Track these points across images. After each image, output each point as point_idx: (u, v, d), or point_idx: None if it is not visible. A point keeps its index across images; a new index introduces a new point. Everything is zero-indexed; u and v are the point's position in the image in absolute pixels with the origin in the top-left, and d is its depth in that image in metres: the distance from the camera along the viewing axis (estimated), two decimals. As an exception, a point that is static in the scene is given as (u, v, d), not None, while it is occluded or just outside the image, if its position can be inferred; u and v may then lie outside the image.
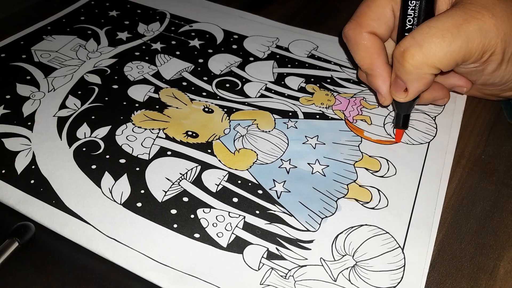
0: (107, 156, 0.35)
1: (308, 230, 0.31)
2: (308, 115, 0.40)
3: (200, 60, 0.46)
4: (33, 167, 0.34)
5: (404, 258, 0.30)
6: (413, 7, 0.33)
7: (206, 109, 0.40)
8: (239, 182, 0.34)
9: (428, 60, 0.31)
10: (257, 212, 0.32)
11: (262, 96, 0.42)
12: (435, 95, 0.39)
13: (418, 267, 0.30)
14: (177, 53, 0.46)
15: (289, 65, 0.46)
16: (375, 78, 0.36)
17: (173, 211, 0.32)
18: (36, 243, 0.30)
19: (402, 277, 0.29)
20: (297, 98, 0.42)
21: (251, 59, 0.46)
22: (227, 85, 0.43)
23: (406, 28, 0.33)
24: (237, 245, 0.30)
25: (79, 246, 0.30)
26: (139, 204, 0.32)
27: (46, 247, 0.30)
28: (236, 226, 0.31)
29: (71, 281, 0.28)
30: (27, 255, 0.29)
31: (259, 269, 0.29)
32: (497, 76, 0.34)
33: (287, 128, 0.39)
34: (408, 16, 0.33)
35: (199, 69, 0.45)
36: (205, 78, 0.44)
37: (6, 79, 0.42)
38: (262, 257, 0.30)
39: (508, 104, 0.41)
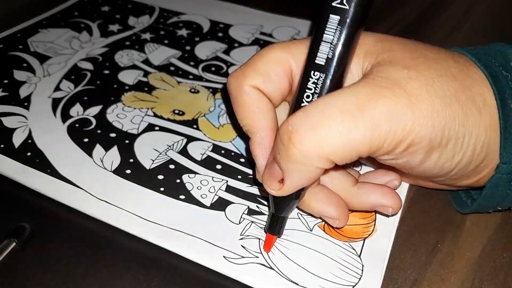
0: (99, 131, 0.38)
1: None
2: (289, 94, 0.43)
3: (187, 48, 0.48)
4: (29, 141, 0.36)
5: (375, 213, 0.32)
6: (315, 80, 0.25)
7: (193, 90, 0.43)
8: (223, 152, 0.37)
9: (321, 149, 0.23)
10: (239, 177, 0.35)
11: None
12: (323, 209, 0.28)
13: (388, 220, 0.32)
14: (166, 42, 0.49)
15: (272, 50, 0.48)
16: (253, 144, 0.28)
17: (160, 177, 0.34)
18: (35, 242, 0.30)
19: (373, 229, 0.31)
20: (279, 79, 0.44)
21: (236, 45, 0.49)
22: (213, 68, 0.45)
23: (302, 104, 0.25)
24: (220, 204, 0.32)
25: (79, 240, 0.31)
26: (128, 171, 0.34)
27: (45, 246, 0.30)
28: (219, 189, 0.33)
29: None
30: (27, 255, 0.30)
31: (239, 223, 0.31)
32: (432, 168, 0.26)
33: (269, 105, 0.41)
34: (307, 91, 0.25)
35: (186, 55, 0.47)
36: (192, 63, 0.46)
37: (3, 66, 0.44)
38: (243, 213, 0.32)
39: (456, 194, 0.33)
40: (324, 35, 0.24)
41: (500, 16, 0.57)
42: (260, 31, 0.51)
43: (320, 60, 0.24)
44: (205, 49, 0.48)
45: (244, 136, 0.36)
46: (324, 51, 0.24)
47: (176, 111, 0.40)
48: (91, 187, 0.33)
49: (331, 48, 0.24)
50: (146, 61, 0.46)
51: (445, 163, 0.25)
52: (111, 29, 0.51)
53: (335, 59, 0.24)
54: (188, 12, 0.54)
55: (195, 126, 0.39)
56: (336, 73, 0.24)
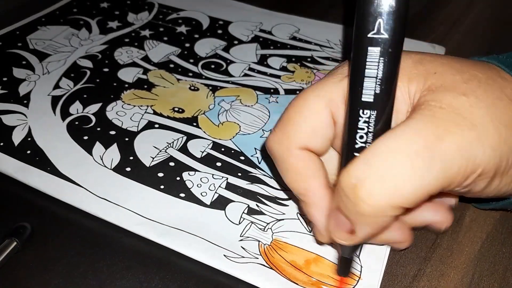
0: (98, 129, 0.38)
1: (286, 189, 0.34)
2: (289, 91, 0.43)
3: (187, 45, 0.48)
4: (29, 139, 0.36)
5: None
6: (367, 119, 0.22)
7: (192, 88, 0.43)
8: (223, 149, 0.37)
9: (392, 200, 0.21)
10: (239, 174, 0.35)
11: (246, 75, 0.44)
12: (389, 237, 0.27)
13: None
14: (165, 39, 0.49)
15: (271, 47, 0.48)
16: (310, 207, 0.26)
17: (160, 174, 0.34)
18: (36, 242, 0.30)
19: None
20: (278, 76, 0.44)
21: (236, 42, 0.49)
22: (212, 66, 0.45)
23: (357, 146, 0.23)
24: (220, 203, 0.32)
25: (80, 239, 0.31)
26: (128, 169, 0.34)
27: (46, 245, 0.30)
28: (219, 186, 0.34)
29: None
30: (28, 255, 0.30)
31: (239, 223, 0.31)
32: (490, 192, 0.25)
33: (269, 102, 0.41)
34: (359, 131, 0.23)
35: (185, 52, 0.47)
36: (191, 60, 0.46)
37: (2, 64, 0.44)
38: (243, 212, 0.32)
39: None
40: (366, 70, 0.22)
41: (498, 14, 0.57)
42: (259, 28, 0.51)
43: (367, 97, 0.22)
44: (204, 46, 0.48)
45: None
46: (370, 87, 0.22)
47: (176, 109, 0.40)
48: (91, 185, 0.33)
49: (377, 83, 0.22)
50: (146, 58, 0.46)
51: (503, 188, 0.24)
52: (110, 26, 0.51)
53: (384, 93, 0.22)
54: (187, 8, 0.54)
55: (195, 124, 0.39)
56: (386, 106, 0.22)
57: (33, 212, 0.32)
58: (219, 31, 0.50)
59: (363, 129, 0.23)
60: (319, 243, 0.30)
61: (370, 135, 0.23)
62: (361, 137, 0.23)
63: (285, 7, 0.55)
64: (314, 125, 0.25)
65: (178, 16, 0.53)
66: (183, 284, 0.28)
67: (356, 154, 0.23)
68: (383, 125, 0.23)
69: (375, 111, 0.22)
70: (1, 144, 0.36)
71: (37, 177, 0.33)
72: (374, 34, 0.21)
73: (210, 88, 0.43)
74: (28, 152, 0.35)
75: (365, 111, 0.22)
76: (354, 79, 0.22)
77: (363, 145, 0.23)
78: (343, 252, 0.27)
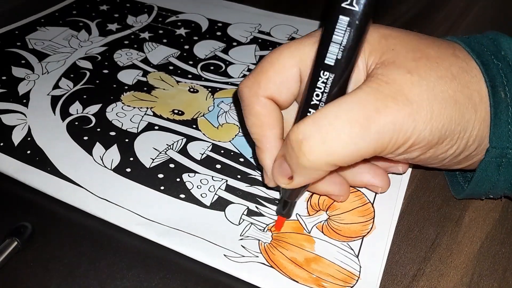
0: (98, 129, 0.38)
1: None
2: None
3: (186, 47, 0.48)
4: (29, 139, 0.36)
5: (374, 211, 0.32)
6: (325, 80, 0.25)
7: (192, 90, 0.43)
8: (222, 151, 0.37)
9: (329, 158, 0.24)
10: (239, 176, 0.35)
11: (245, 76, 0.44)
12: (329, 189, 0.31)
13: (387, 218, 0.32)
14: (164, 41, 0.49)
15: (270, 48, 0.48)
16: (262, 152, 0.29)
17: (160, 175, 0.34)
18: (37, 241, 0.30)
19: (371, 227, 0.31)
20: (278, 78, 0.44)
21: (234, 44, 0.49)
22: (212, 67, 0.46)
23: (312, 103, 0.26)
24: (220, 204, 0.33)
25: (80, 239, 0.31)
26: (128, 170, 0.34)
27: (46, 245, 0.30)
28: (219, 188, 0.34)
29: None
30: (29, 254, 0.30)
31: (239, 224, 0.31)
32: (426, 159, 0.27)
33: (268, 103, 0.41)
34: (316, 90, 0.26)
35: (185, 54, 0.47)
36: (191, 62, 0.46)
37: (1, 62, 0.44)
38: (243, 214, 0.32)
39: (453, 177, 0.34)
40: (334, 36, 0.24)
41: (497, 14, 0.57)
42: (258, 29, 0.51)
43: (329, 60, 0.24)
44: (203, 48, 0.48)
45: (245, 135, 0.38)
46: (333, 52, 0.24)
47: (176, 111, 0.40)
48: (91, 186, 0.33)
49: (340, 49, 0.24)
50: (145, 60, 0.46)
51: (439, 155, 0.27)
52: (110, 28, 0.51)
53: (344, 60, 0.24)
54: (187, 11, 0.54)
55: (194, 126, 0.39)
56: (344, 72, 0.25)
57: (34, 212, 0.32)
58: (218, 33, 0.50)
59: (320, 88, 0.25)
60: (266, 186, 0.32)
61: (325, 95, 0.25)
62: (317, 95, 0.26)
63: (283, 8, 0.55)
64: (283, 79, 0.28)
65: (177, 19, 0.53)
66: (183, 283, 0.28)
67: (310, 110, 0.26)
68: (338, 89, 0.25)
69: (334, 75, 0.25)
70: (1, 144, 0.36)
71: (37, 178, 0.33)
72: (347, 4, 0.23)
73: (210, 89, 0.43)
74: (28, 152, 0.35)
75: (325, 73, 0.25)
76: (322, 42, 0.25)
77: (318, 103, 0.26)
78: (284, 195, 0.30)
